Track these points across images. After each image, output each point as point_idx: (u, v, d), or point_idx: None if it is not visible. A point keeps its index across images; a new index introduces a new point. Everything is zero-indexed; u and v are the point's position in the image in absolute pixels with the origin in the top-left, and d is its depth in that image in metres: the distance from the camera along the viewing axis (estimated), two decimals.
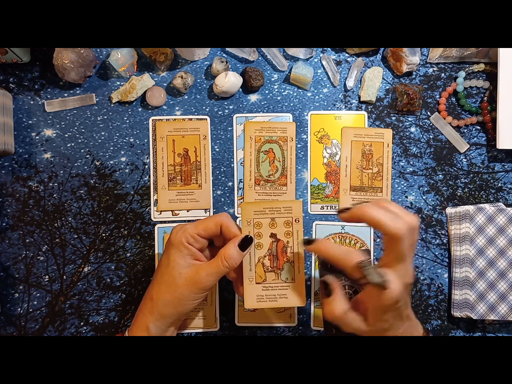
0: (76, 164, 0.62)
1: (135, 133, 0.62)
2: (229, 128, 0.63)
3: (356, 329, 0.47)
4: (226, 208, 0.63)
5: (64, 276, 0.61)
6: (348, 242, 0.63)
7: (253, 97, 0.64)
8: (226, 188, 0.63)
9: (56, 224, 0.61)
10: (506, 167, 0.64)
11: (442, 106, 0.64)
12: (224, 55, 0.63)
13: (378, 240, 0.63)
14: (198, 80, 0.63)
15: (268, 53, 0.63)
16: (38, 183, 0.61)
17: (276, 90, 0.64)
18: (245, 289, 0.50)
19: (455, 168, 0.64)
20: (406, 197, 0.64)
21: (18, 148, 0.61)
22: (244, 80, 0.62)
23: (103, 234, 0.62)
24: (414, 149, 0.64)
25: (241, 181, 0.63)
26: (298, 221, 0.51)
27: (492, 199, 0.64)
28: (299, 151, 0.64)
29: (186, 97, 0.63)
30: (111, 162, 0.62)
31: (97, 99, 0.62)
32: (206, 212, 0.63)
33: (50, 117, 0.62)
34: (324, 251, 0.48)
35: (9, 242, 0.61)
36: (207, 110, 0.63)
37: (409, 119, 0.64)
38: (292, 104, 0.64)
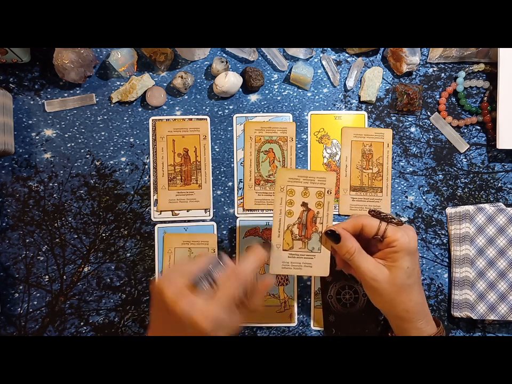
0: (76, 164, 0.62)
1: (135, 133, 0.62)
2: (229, 128, 0.63)
3: (375, 275, 0.48)
4: (226, 208, 0.63)
5: (64, 276, 0.61)
6: None
7: (253, 97, 0.64)
8: (226, 188, 0.63)
9: (56, 224, 0.61)
10: (506, 167, 0.64)
11: (442, 106, 0.64)
12: (224, 55, 0.63)
13: None
14: (198, 80, 0.63)
15: (268, 53, 0.63)
16: (38, 183, 0.61)
17: (276, 90, 0.64)
18: (272, 255, 0.51)
19: (455, 168, 0.64)
20: (406, 197, 0.64)
21: (18, 148, 0.61)
22: (244, 80, 0.62)
23: (103, 234, 0.62)
24: (414, 149, 0.64)
25: (241, 181, 0.63)
26: (331, 192, 0.51)
27: (492, 199, 0.64)
28: (299, 151, 0.64)
29: (186, 97, 0.63)
30: (111, 162, 0.62)
31: (97, 99, 0.62)
32: (206, 212, 0.63)
33: (50, 117, 0.62)
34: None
35: (9, 242, 0.61)
36: (207, 110, 0.63)
37: (409, 119, 0.64)
38: (292, 104, 0.64)
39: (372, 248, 0.51)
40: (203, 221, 0.63)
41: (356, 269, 0.49)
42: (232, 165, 0.63)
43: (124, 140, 0.62)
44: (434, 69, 0.65)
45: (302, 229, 0.51)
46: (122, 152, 0.62)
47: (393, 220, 0.49)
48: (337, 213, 0.63)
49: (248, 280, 0.45)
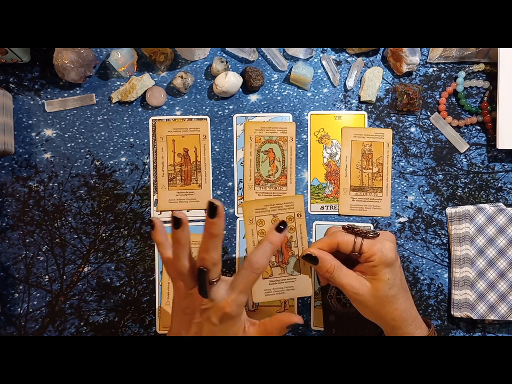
0: (76, 164, 0.62)
1: (135, 133, 0.62)
2: (229, 128, 0.63)
3: (357, 289, 0.48)
4: (226, 208, 0.63)
5: (64, 276, 0.61)
6: None
7: (253, 97, 0.64)
8: (226, 188, 0.63)
9: (56, 224, 0.61)
10: (506, 167, 0.64)
11: (442, 106, 0.64)
12: (224, 55, 0.63)
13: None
14: (198, 80, 0.63)
15: (268, 53, 0.63)
16: (38, 183, 0.61)
17: (276, 90, 0.64)
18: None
19: (455, 168, 0.64)
20: (406, 197, 0.64)
21: (18, 148, 0.61)
22: (244, 80, 0.62)
23: (103, 234, 0.62)
24: (414, 149, 0.64)
25: (241, 181, 0.63)
26: (301, 215, 0.51)
27: (492, 199, 0.64)
28: (299, 151, 0.64)
29: (186, 97, 0.63)
30: (111, 162, 0.62)
31: (97, 99, 0.62)
32: (206, 212, 0.62)
33: (50, 117, 0.62)
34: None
35: (9, 242, 0.61)
36: (207, 110, 0.63)
37: (409, 119, 0.64)
38: (292, 104, 0.64)
39: (353, 260, 0.51)
40: (203, 221, 0.63)
41: (338, 285, 0.49)
42: (232, 165, 0.63)
43: (124, 140, 0.62)
44: (434, 69, 0.65)
45: (278, 255, 0.51)
46: (122, 152, 0.62)
47: (368, 234, 0.48)
48: (337, 213, 0.63)
49: (263, 266, 0.45)
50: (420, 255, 0.63)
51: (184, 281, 0.45)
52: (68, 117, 0.62)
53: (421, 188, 0.64)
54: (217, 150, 0.63)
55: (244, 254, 0.62)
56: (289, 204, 0.51)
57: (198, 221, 0.62)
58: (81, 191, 0.62)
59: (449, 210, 0.63)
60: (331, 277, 0.49)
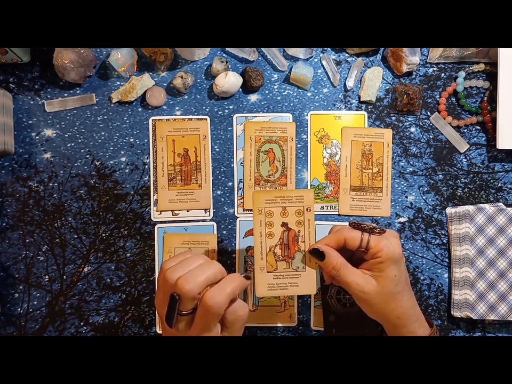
0: (76, 164, 0.62)
1: (135, 133, 0.62)
2: (229, 128, 0.63)
3: (363, 287, 0.48)
4: (226, 208, 0.63)
5: (64, 276, 0.61)
6: None
7: (253, 97, 0.64)
8: (226, 188, 0.63)
9: (56, 224, 0.61)
10: (506, 167, 0.64)
11: (442, 106, 0.64)
12: (224, 55, 0.63)
13: None
14: (198, 80, 0.63)
15: (268, 53, 0.63)
16: (38, 183, 0.61)
17: (276, 90, 0.64)
18: (256, 278, 0.51)
19: (455, 168, 0.64)
20: (406, 197, 0.64)
21: (18, 148, 0.61)
22: (244, 80, 0.62)
23: (103, 234, 0.62)
24: (414, 149, 0.64)
25: (241, 181, 0.63)
26: (310, 210, 0.51)
27: (492, 199, 0.64)
28: (299, 151, 0.64)
29: (186, 97, 0.63)
30: (111, 162, 0.62)
31: (97, 99, 0.62)
32: (206, 212, 0.63)
33: (50, 117, 0.62)
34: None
35: (9, 242, 0.61)
36: (207, 110, 0.63)
37: (409, 119, 0.64)
38: (292, 104, 0.64)
39: (357, 258, 0.50)
40: (203, 221, 0.63)
41: (344, 283, 0.49)
42: (232, 165, 0.63)
43: (124, 140, 0.62)
44: (434, 69, 0.65)
45: (284, 249, 0.51)
46: (122, 152, 0.62)
47: (374, 229, 0.48)
48: (337, 213, 0.63)
49: (218, 304, 0.41)
50: (420, 255, 0.63)
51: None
52: (68, 117, 0.62)
53: (421, 188, 0.64)
54: (217, 150, 0.63)
55: (244, 254, 0.62)
56: (299, 197, 0.50)
57: (198, 220, 0.62)
58: (81, 191, 0.62)
59: (449, 210, 0.63)
60: (337, 274, 0.48)
